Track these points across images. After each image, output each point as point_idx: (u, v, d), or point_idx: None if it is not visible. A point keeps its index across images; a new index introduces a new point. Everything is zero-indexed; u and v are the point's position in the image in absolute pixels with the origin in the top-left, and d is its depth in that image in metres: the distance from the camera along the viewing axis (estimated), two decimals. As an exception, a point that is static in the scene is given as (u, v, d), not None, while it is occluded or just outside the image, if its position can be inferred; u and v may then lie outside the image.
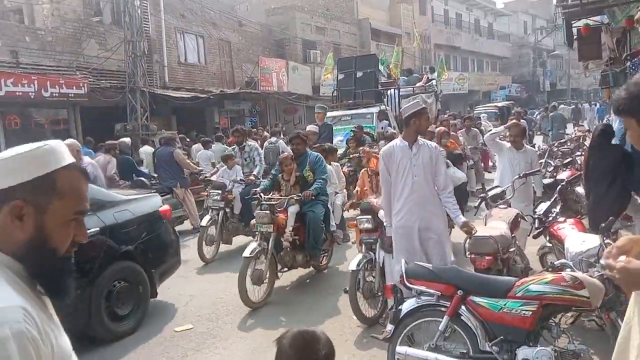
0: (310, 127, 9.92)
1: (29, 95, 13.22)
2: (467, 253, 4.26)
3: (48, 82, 13.69)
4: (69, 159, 1.29)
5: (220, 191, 7.93)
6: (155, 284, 5.52)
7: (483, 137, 9.95)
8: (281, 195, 6.37)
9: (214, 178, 8.94)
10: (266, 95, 22.61)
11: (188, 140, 15.05)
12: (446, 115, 17.54)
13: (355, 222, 5.59)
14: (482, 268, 4.05)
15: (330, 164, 7.63)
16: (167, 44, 18.73)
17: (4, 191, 1.19)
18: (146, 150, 12.77)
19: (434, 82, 17.68)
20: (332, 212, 7.08)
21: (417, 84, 16.82)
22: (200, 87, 19.54)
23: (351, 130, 11.36)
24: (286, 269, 6.22)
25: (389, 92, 15.76)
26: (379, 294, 5.00)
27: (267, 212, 5.83)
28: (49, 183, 1.22)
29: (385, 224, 4.78)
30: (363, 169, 6.59)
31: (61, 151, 1.28)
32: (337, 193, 7.78)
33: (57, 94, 13.90)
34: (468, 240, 4.29)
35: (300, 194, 6.08)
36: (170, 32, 18.97)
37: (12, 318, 1.09)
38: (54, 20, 15.23)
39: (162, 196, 8.51)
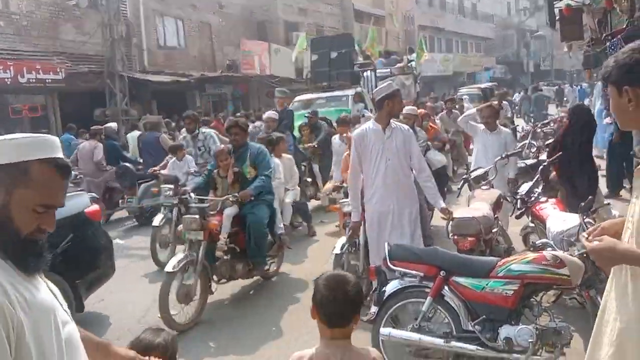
0: (269, 114, 9.03)
1: (5, 81, 12.95)
2: (450, 234, 4.27)
3: (24, 68, 13.42)
4: (51, 153, 1.38)
5: (172, 185, 6.96)
6: (80, 297, 4.70)
7: None
8: (216, 195, 5.53)
9: (164, 172, 8.08)
10: (248, 78, 22.39)
11: (174, 124, 14.86)
12: (428, 98, 17.41)
13: (338, 205, 5.56)
14: (465, 249, 4.06)
15: (280, 156, 7.18)
16: (146, 27, 18.41)
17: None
18: (133, 135, 12.56)
19: (412, 63, 17.39)
20: (281, 212, 6.51)
21: (396, 66, 16.61)
22: (181, 71, 19.27)
23: (305, 116, 10.46)
24: (224, 280, 5.37)
25: (365, 74, 15.42)
26: (363, 276, 5.00)
27: (196, 216, 4.96)
28: (23, 172, 1.33)
29: (351, 209, 4.69)
30: (346, 152, 6.35)
31: (45, 144, 1.38)
32: (288, 190, 7.25)
33: (34, 80, 13.63)
34: (451, 222, 4.29)
35: (237, 194, 5.21)
36: (148, 15, 18.63)
37: None
38: (29, 4, 14.85)
39: (147, 182, 8.42)
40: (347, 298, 1.91)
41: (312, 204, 8.99)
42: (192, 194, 5.36)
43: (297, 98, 13.38)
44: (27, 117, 14.70)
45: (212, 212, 5.20)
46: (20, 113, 14.55)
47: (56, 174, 1.39)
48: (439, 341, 3.33)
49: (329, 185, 8.05)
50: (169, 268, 4.68)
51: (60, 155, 1.42)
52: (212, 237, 5.07)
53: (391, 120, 4.52)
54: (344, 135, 7.81)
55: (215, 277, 5.22)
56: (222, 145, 5.99)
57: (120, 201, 9.14)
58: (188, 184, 6.91)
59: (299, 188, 7.69)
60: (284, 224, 6.34)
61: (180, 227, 5.23)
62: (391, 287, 3.57)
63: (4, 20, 14.05)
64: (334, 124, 10.79)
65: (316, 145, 9.54)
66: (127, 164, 9.35)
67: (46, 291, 1.43)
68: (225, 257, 5.18)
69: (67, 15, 15.73)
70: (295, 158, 8.13)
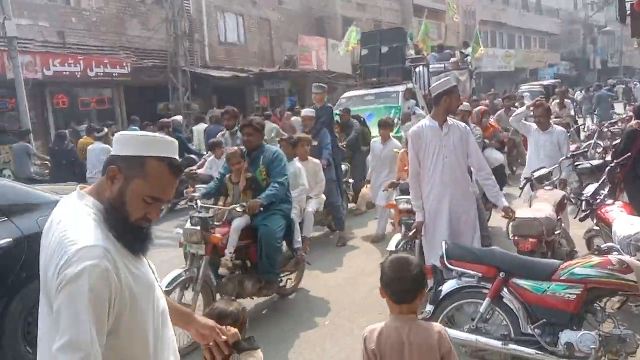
0: (306, 112, 7.79)
1: (76, 75, 13.58)
2: (511, 235, 4.19)
3: (93, 62, 14.04)
4: (167, 153, 1.59)
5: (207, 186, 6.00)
6: None
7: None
8: (227, 204, 5.01)
9: (200, 171, 7.50)
10: (305, 74, 22.54)
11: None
12: (486, 95, 16.80)
13: (394, 202, 5.54)
14: (526, 250, 3.97)
15: (306, 159, 6.60)
16: (208, 23, 18.86)
17: (114, 156, 1.58)
18: (199, 129, 12.86)
19: (468, 58, 16.57)
20: (303, 222, 5.86)
21: (451, 61, 15.99)
22: (241, 67, 19.64)
23: (336, 114, 9.05)
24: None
25: (417, 69, 14.83)
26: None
27: (197, 228, 4.39)
28: (141, 165, 1.55)
29: (414, 209, 4.57)
30: (403, 149, 6.28)
31: (164, 144, 1.60)
32: (311, 198, 6.44)
33: (102, 74, 14.24)
34: (512, 223, 4.20)
35: (245, 204, 4.64)
36: (210, 11, 19.07)
37: (95, 254, 1.43)
38: (99, 1, 15.51)
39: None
40: (411, 277, 2.18)
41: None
42: (198, 202, 4.68)
43: (346, 95, 12.97)
44: (95, 110, 15.41)
45: (217, 224, 4.64)
46: (88, 106, 15.28)
47: (169, 172, 1.58)
48: (497, 343, 3.28)
49: (366, 190, 7.94)
50: (164, 285, 4.01)
51: (176, 156, 1.62)
52: (217, 251, 4.52)
53: (448, 117, 4.42)
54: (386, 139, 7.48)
55: (217, 297, 4.52)
56: (235, 147, 5.28)
57: (185, 191, 9.40)
58: (198, 189, 6.03)
59: (324, 197, 6.82)
60: (303, 237, 5.62)
61: (182, 239, 4.60)
62: (448, 286, 3.53)
63: (75, 16, 14.75)
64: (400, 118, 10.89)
65: (345, 146, 8.79)
66: (192, 156, 9.63)
67: (148, 269, 1.64)
68: (232, 273, 4.64)
69: (133, 12, 16.33)
70: (336, 158, 7.57)
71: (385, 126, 7.55)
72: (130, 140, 1.58)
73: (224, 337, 1.96)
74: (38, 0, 13.90)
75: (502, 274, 3.34)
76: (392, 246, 4.99)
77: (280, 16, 22.85)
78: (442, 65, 15.29)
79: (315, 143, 7.23)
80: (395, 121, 10.36)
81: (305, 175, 6.21)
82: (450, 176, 4.35)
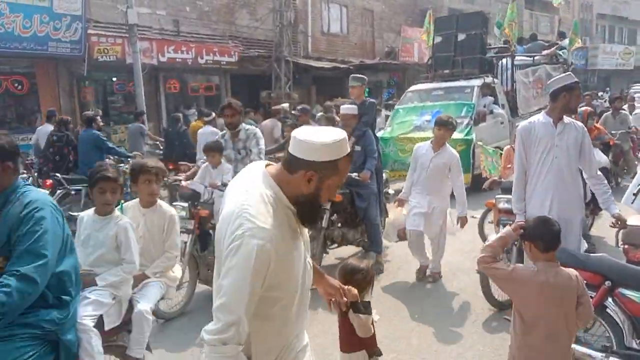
0: (346, 108, 5.95)
1: (187, 61, 14.39)
2: (620, 243, 3.94)
3: (204, 50, 14.78)
4: (348, 149, 1.82)
5: (188, 203, 5.03)
6: None
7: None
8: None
9: (186, 183, 6.00)
10: (405, 66, 22.27)
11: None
12: (590, 93, 14.97)
13: (494, 200, 5.38)
14: (636, 260, 3.71)
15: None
16: (312, 13, 19.16)
17: (308, 162, 1.77)
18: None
19: (564, 52, 14.30)
20: None
21: (543, 53, 13.94)
22: (341, 57, 19.79)
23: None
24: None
25: (502, 61, 12.48)
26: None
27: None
28: (334, 165, 1.79)
29: (515, 211, 4.24)
30: (507, 146, 5.95)
31: (347, 142, 1.82)
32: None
33: (211, 61, 14.97)
34: (622, 230, 3.95)
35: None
36: (315, 1, 19.36)
37: (265, 235, 1.69)
38: (212, -8, 16.29)
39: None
40: (556, 229, 2.71)
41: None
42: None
43: (411, 88, 11.82)
44: (203, 95, 16.26)
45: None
46: (197, 91, 16.15)
47: (349, 161, 1.86)
48: (597, 354, 3.12)
49: (398, 212, 5.88)
50: None
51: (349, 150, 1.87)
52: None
53: (565, 116, 4.10)
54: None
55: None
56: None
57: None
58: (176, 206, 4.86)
59: None
60: None
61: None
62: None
63: (189, 5, 15.58)
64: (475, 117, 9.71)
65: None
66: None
67: (302, 243, 1.94)
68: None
69: (242, 2, 16.97)
70: (378, 166, 6.15)
71: (444, 126, 5.39)
72: (327, 148, 1.76)
73: (344, 298, 2.31)
74: (157, -10, 14.85)
75: (607, 283, 3.17)
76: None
77: (384, 7, 22.71)
78: (530, 58, 13.33)
79: (358, 148, 5.77)
80: (467, 121, 9.48)
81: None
82: (558, 177, 4.06)
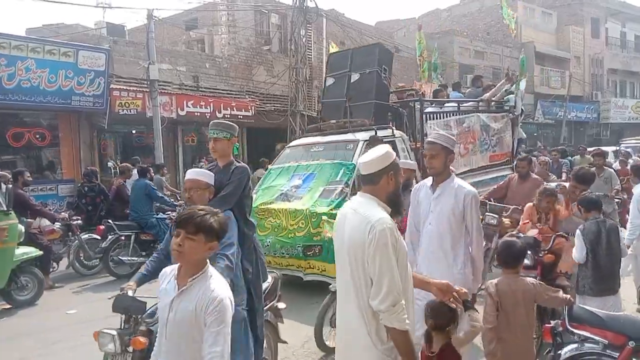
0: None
1: (205, 115, 14.75)
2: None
3: (222, 105, 15.17)
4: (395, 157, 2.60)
5: None
6: None
7: None
8: None
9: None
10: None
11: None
12: (545, 148, 12.21)
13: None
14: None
15: None
16: (326, 69, 19.63)
17: (383, 169, 2.52)
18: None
19: (510, 97, 10.51)
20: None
21: (484, 96, 10.25)
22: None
23: None
24: None
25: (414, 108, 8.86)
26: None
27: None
28: (395, 163, 2.58)
29: None
30: (529, 203, 5.72)
31: (393, 153, 2.60)
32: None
33: (228, 115, 15.33)
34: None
35: None
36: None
37: (387, 220, 2.40)
38: (230, 49, 16.87)
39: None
40: (514, 251, 3.48)
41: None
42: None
43: (293, 142, 9.19)
44: (219, 148, 16.52)
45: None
46: (214, 144, 16.43)
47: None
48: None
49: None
50: None
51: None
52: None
53: (452, 176, 3.59)
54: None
55: None
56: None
57: None
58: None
59: None
60: None
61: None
62: (568, 351, 3.32)
63: (209, 62, 16.11)
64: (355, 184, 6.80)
65: None
66: None
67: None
68: None
69: (260, 59, 17.51)
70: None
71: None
72: (386, 154, 2.55)
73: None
74: (178, 47, 15.40)
75: (631, 343, 3.09)
76: None
77: (397, 63, 23.18)
78: (455, 105, 9.60)
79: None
80: (340, 189, 6.87)
81: None
82: (428, 250, 3.55)
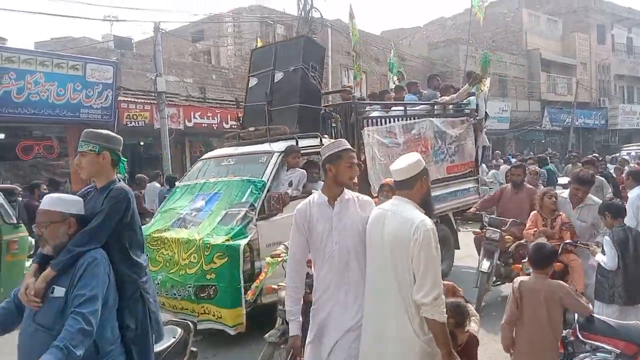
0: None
1: (212, 126, 14.83)
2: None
3: (229, 115, 15.23)
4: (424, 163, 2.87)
5: None
6: None
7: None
8: None
9: None
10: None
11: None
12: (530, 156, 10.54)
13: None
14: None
15: None
16: (332, 79, 19.73)
17: (417, 174, 2.80)
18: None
19: (472, 99, 8.99)
20: None
21: (440, 99, 8.76)
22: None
23: None
24: None
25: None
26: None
27: None
28: (426, 170, 2.87)
29: (288, 317, 3.14)
30: (534, 211, 5.65)
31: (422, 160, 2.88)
32: None
33: (235, 126, 15.35)
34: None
35: None
36: (335, 69, 19.97)
37: (430, 222, 2.67)
38: (236, 60, 16.98)
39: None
40: (544, 253, 3.62)
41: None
42: None
43: (206, 154, 7.48)
44: (226, 158, 16.59)
45: None
46: (221, 154, 16.51)
47: None
48: None
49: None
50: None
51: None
52: None
53: (346, 190, 3.11)
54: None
55: None
56: None
57: None
58: None
59: None
60: None
61: None
62: (580, 360, 3.30)
63: (215, 74, 16.22)
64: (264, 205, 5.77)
65: None
66: None
67: None
68: None
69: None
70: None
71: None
72: (419, 160, 2.83)
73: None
74: (185, 59, 15.52)
75: (644, 353, 3.07)
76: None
77: (405, 74, 23.25)
78: (400, 108, 8.11)
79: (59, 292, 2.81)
80: (243, 213, 5.49)
81: None
82: (339, 270, 3.00)
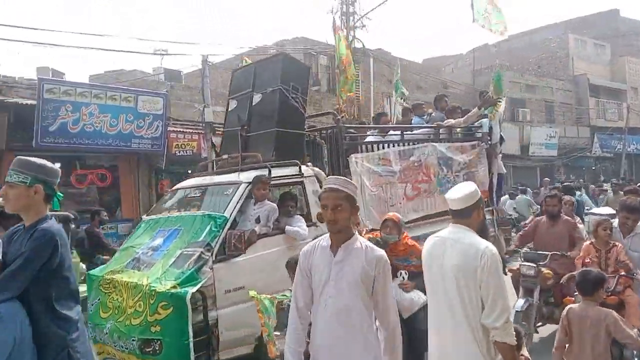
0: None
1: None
2: None
3: (272, 144, 15.48)
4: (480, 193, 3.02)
5: None
6: None
7: None
8: None
9: None
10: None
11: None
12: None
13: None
14: None
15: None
16: (374, 107, 19.83)
17: (474, 204, 2.90)
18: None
19: (484, 121, 8.12)
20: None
21: (446, 122, 8.07)
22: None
23: None
24: None
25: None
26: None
27: None
28: (482, 199, 2.99)
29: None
30: (588, 241, 5.37)
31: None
32: None
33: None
34: None
35: None
36: (377, 97, 20.07)
37: (494, 248, 2.76)
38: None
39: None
40: (590, 279, 3.66)
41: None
42: None
43: (179, 185, 6.63)
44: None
45: None
46: (265, 182, 16.75)
47: None
48: None
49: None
50: None
51: None
52: None
53: (355, 235, 2.87)
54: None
55: None
56: None
57: None
58: None
59: None
60: None
61: None
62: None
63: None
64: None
65: None
66: None
67: None
68: None
69: (309, 100, 17.79)
70: None
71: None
72: (476, 190, 2.96)
73: None
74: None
75: None
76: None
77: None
78: (397, 133, 7.29)
79: None
80: (197, 254, 4.73)
81: None
82: (331, 327, 2.76)
